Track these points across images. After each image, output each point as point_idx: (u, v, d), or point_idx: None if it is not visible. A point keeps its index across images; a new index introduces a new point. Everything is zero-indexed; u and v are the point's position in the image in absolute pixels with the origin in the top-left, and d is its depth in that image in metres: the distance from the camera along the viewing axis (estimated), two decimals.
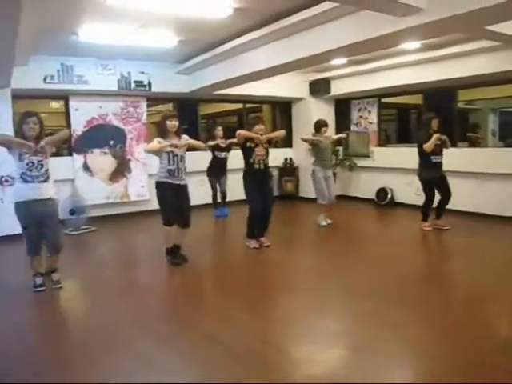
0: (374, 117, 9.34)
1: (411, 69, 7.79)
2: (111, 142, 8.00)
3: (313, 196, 9.55)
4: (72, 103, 7.66)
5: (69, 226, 7.03)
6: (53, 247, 4.29)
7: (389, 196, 8.83)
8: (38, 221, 4.14)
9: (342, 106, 9.92)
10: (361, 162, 9.37)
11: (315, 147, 7.09)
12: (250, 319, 3.62)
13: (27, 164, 4.05)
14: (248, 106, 9.96)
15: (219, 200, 8.18)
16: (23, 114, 4.18)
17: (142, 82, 7.71)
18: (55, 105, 8.75)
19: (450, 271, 4.93)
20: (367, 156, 9.29)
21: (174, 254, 5.16)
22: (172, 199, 4.99)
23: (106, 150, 7.99)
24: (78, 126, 7.72)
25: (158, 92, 7.95)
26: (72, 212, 7.04)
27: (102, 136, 7.90)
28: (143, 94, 8.04)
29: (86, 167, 7.82)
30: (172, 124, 4.98)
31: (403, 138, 10.03)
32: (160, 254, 5.35)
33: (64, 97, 7.70)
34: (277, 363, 2.88)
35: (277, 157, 9.37)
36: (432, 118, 6.38)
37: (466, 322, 3.43)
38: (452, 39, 6.56)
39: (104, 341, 3.25)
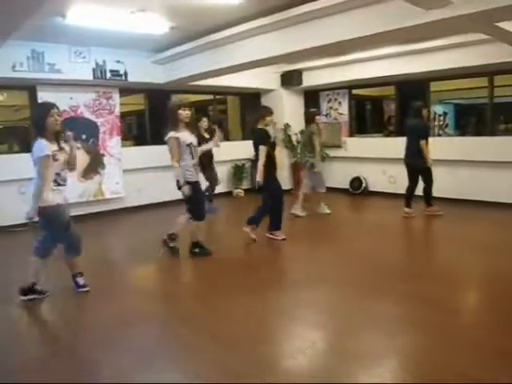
0: (344, 108, 9.46)
1: (384, 61, 7.97)
2: (83, 137, 7.44)
3: (285, 188, 9.66)
4: (40, 94, 7.01)
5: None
6: (78, 249, 4.02)
7: (363, 185, 9.01)
8: (67, 223, 3.88)
9: (311, 98, 9.95)
10: (333, 153, 9.45)
11: (316, 139, 6.98)
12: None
13: (59, 165, 3.76)
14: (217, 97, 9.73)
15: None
16: (43, 105, 3.85)
17: (118, 71, 7.24)
18: None
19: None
20: (339, 146, 9.41)
21: (201, 246, 5.14)
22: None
23: (78, 145, 7.34)
24: None
25: (133, 82, 7.51)
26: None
27: (73, 129, 7.28)
28: (117, 84, 7.56)
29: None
30: (185, 114, 4.71)
31: (375, 129, 10.24)
32: (146, 255, 5.32)
33: (31, 87, 7.05)
34: None
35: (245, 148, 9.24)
36: (423, 106, 6.61)
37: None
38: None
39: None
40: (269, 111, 5.62)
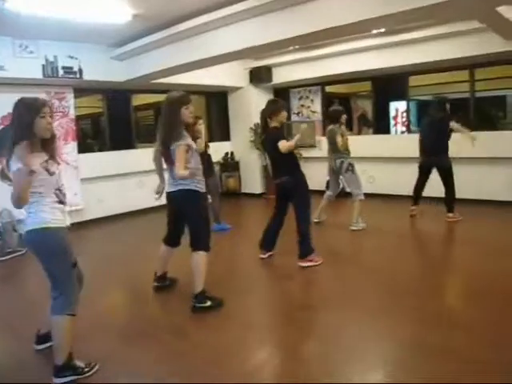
0: (317, 105, 8.96)
1: (359, 55, 7.56)
2: None
3: (257, 191, 9.10)
4: None
5: None
6: (81, 279, 2.99)
7: (341, 186, 8.50)
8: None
9: (281, 95, 9.36)
10: (307, 153, 8.93)
11: (339, 138, 5.97)
12: None
13: (57, 179, 2.75)
14: None
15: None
16: (32, 101, 2.70)
17: (71, 68, 6.37)
18: None
19: None
20: (314, 146, 8.90)
21: (208, 295, 3.72)
22: None
23: None
24: None
25: (89, 81, 6.66)
26: None
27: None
28: (71, 83, 6.70)
29: (3, 175, 6.27)
30: (189, 112, 3.67)
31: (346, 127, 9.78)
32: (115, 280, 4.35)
33: None
34: None
35: (216, 151, 8.60)
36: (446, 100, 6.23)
37: None
38: (404, 26, 6.44)
39: None
40: (282, 105, 4.73)
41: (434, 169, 6.15)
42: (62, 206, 2.73)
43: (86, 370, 2.72)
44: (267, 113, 4.66)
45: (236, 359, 2.86)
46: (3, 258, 5.56)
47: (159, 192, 4.11)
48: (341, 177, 6.21)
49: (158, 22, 5.55)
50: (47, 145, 2.71)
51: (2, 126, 6.29)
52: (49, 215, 2.62)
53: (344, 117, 6.09)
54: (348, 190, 6.19)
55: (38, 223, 2.60)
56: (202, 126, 5.73)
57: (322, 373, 2.67)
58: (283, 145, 4.42)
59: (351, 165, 5.99)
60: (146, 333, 3.31)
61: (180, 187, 3.67)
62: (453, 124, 5.95)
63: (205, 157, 5.73)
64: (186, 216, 3.78)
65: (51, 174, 2.65)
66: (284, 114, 4.64)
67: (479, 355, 2.70)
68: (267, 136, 4.69)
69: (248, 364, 2.81)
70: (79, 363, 2.71)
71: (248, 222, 7.75)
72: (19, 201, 2.46)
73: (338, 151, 6.01)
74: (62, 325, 2.67)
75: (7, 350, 3.26)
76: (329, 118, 6.36)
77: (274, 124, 4.60)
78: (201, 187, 3.73)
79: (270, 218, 4.94)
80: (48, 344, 3.02)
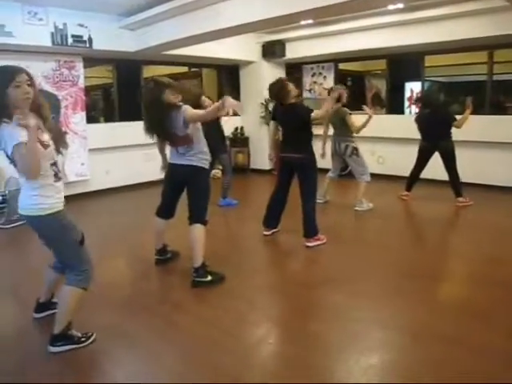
0: (330, 82, 8.78)
1: (375, 32, 7.36)
2: None
3: (265, 168, 9.02)
4: None
5: None
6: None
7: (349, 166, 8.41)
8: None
9: (294, 71, 9.24)
10: (317, 131, 8.78)
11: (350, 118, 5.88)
12: None
13: (52, 152, 2.54)
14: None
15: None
16: (4, 68, 2.39)
17: (81, 36, 6.28)
18: None
19: None
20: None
21: (209, 270, 3.73)
22: None
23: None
24: None
25: (98, 50, 6.57)
26: (3, 200, 5.65)
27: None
28: (81, 52, 6.62)
29: None
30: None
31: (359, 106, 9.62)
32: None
33: None
34: None
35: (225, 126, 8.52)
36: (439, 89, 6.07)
37: None
38: (419, 4, 6.24)
39: None
40: (284, 82, 4.52)
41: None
42: (59, 184, 2.58)
43: (83, 339, 2.73)
44: (277, 97, 4.53)
45: (234, 337, 2.86)
46: (9, 226, 5.60)
47: (165, 167, 4.09)
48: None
49: None
50: (35, 114, 2.45)
51: None
52: (46, 200, 2.47)
53: (345, 96, 5.88)
54: (353, 173, 6.08)
55: (36, 210, 2.47)
56: (208, 102, 5.64)
57: (320, 354, 2.67)
58: (316, 113, 4.33)
59: (356, 149, 5.90)
60: (144, 306, 3.33)
61: (188, 162, 3.65)
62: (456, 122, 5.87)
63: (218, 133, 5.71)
64: (191, 191, 3.75)
65: (45, 146, 2.44)
66: (291, 87, 4.46)
67: (487, 343, 2.66)
68: (287, 109, 4.49)
69: (246, 342, 2.81)
70: (75, 333, 2.73)
71: (255, 198, 7.71)
72: (34, 172, 2.34)
73: (343, 134, 5.91)
74: (73, 296, 2.66)
75: (7, 317, 3.30)
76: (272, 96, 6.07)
77: (291, 101, 4.47)
78: (206, 163, 3.72)
79: (271, 193, 4.89)
80: (47, 313, 3.06)
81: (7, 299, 3.62)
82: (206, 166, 3.72)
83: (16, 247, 5.10)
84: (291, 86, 4.49)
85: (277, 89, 4.49)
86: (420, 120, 6.16)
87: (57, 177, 2.56)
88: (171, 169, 3.85)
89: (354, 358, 2.59)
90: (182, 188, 3.83)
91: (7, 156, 2.39)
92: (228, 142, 8.87)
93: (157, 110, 3.51)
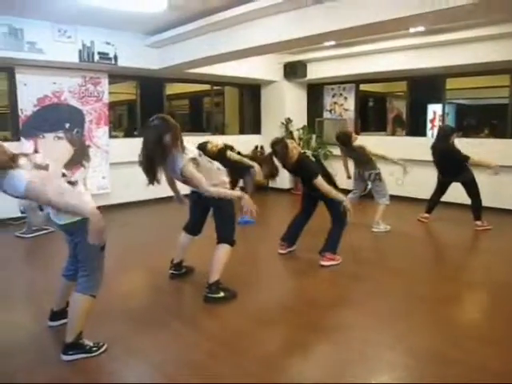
0: (350, 103, 8.83)
1: (397, 54, 7.40)
2: (67, 125, 6.71)
3: (286, 187, 9.04)
4: (19, 77, 6.27)
5: (20, 227, 5.83)
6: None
7: (368, 186, 8.38)
8: None
9: (315, 92, 9.32)
10: (336, 151, 8.82)
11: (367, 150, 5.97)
12: None
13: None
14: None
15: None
16: None
17: (107, 54, 6.47)
18: None
19: None
20: None
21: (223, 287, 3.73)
22: None
23: (61, 135, 6.69)
24: (27, 105, 6.36)
25: (123, 67, 6.75)
26: (24, 210, 5.78)
27: (56, 117, 6.57)
28: (106, 68, 6.82)
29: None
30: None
31: (378, 127, 9.66)
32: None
33: (8, 68, 6.30)
34: None
35: (245, 143, 8.61)
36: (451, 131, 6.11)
37: None
38: (440, 27, 6.26)
39: None
40: (285, 144, 4.40)
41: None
42: (81, 189, 2.71)
43: (94, 349, 2.78)
44: (282, 158, 4.39)
45: (243, 355, 2.86)
46: (29, 235, 5.73)
47: (179, 200, 4.11)
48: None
49: (194, 11, 5.56)
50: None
51: (38, 108, 6.46)
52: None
53: (355, 136, 6.06)
54: (374, 195, 6.11)
55: (70, 217, 2.62)
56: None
57: (327, 372, 2.65)
58: (320, 183, 4.30)
59: (379, 174, 5.99)
60: (155, 319, 3.36)
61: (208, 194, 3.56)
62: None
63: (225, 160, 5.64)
64: (216, 213, 3.80)
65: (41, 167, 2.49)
66: (292, 147, 4.37)
67: (496, 368, 2.62)
68: (295, 165, 4.44)
69: (254, 359, 2.80)
70: (88, 342, 2.78)
71: (273, 217, 7.73)
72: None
73: (365, 166, 6.00)
74: (82, 303, 2.73)
75: (23, 324, 3.37)
76: (341, 143, 6.10)
77: (293, 156, 4.40)
78: (227, 185, 3.72)
79: (295, 214, 4.95)
80: (61, 321, 3.11)
81: (25, 307, 3.70)
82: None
83: (35, 256, 5.23)
84: (291, 147, 4.38)
85: (282, 151, 4.34)
86: (435, 153, 6.17)
87: (73, 184, 2.66)
88: (194, 194, 3.84)
89: (362, 378, 2.58)
90: (207, 208, 3.92)
91: None
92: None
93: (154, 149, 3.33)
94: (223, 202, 3.63)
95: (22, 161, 2.42)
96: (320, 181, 4.30)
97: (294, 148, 4.43)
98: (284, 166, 4.50)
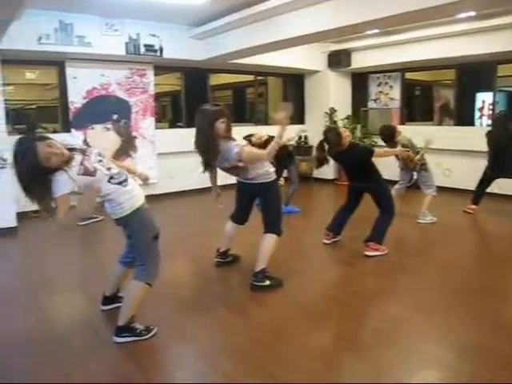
0: (396, 92, 8.64)
1: (444, 41, 7.15)
2: (114, 117, 6.90)
3: (330, 177, 8.97)
4: (69, 70, 6.48)
5: None
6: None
7: (414, 177, 8.20)
8: None
9: (360, 81, 9.17)
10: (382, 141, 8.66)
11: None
12: None
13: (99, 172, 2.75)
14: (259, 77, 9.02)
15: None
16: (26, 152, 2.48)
17: (152, 46, 6.59)
18: (29, 75, 7.65)
19: None
20: None
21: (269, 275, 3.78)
22: None
23: (109, 126, 6.89)
24: (77, 97, 6.57)
25: (168, 59, 6.85)
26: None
27: (104, 109, 6.78)
28: (152, 60, 6.94)
29: (85, 145, 6.70)
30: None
31: (425, 116, 9.40)
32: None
33: (59, 62, 6.51)
34: None
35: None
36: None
37: None
38: (492, 11, 5.99)
39: None
40: (338, 133, 4.44)
41: None
42: (130, 186, 2.76)
43: (144, 332, 2.86)
44: (335, 145, 4.41)
45: (286, 342, 2.88)
46: (84, 223, 5.92)
47: (218, 195, 4.07)
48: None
49: (237, 2, 5.58)
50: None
51: (87, 99, 6.66)
52: (124, 204, 2.71)
53: (399, 130, 5.77)
54: (421, 186, 5.96)
55: (119, 213, 2.74)
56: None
57: (371, 365, 2.63)
58: (378, 152, 4.49)
59: (424, 164, 5.80)
60: (204, 306, 3.42)
61: (253, 181, 3.70)
62: None
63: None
64: (262, 203, 3.84)
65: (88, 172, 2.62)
66: (345, 135, 4.41)
67: None
68: (345, 153, 4.45)
69: (298, 348, 2.81)
70: (139, 325, 2.87)
71: (317, 207, 7.71)
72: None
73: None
74: (138, 290, 2.82)
75: (78, 308, 3.53)
76: (383, 139, 5.88)
77: (345, 143, 4.43)
78: (271, 177, 3.73)
79: (342, 205, 4.91)
80: (112, 306, 3.23)
81: (78, 292, 3.84)
82: (272, 178, 3.73)
83: (88, 243, 5.43)
84: (345, 135, 4.43)
85: (335, 139, 4.39)
86: (490, 139, 5.97)
87: (122, 184, 2.72)
88: (242, 185, 3.90)
89: (407, 371, 2.56)
90: (253, 198, 3.96)
91: None
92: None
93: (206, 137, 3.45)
94: (270, 190, 3.69)
95: (74, 162, 2.57)
96: (379, 151, 4.48)
97: (347, 136, 4.46)
98: (330, 155, 4.48)
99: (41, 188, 2.49)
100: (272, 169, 3.79)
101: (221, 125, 3.41)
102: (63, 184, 2.51)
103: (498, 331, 2.97)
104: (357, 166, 4.51)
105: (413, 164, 5.67)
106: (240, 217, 4.14)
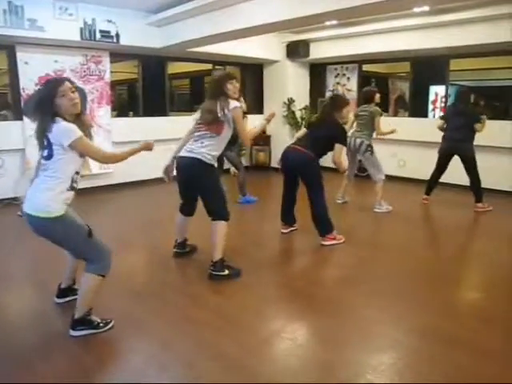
0: (353, 84, 8.79)
1: (400, 34, 7.33)
2: None
3: None
4: (20, 55, 6.24)
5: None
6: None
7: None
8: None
9: (318, 71, 9.27)
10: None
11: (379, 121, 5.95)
12: None
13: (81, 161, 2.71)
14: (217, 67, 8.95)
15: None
16: (48, 83, 2.69)
17: (108, 32, 6.42)
18: None
19: None
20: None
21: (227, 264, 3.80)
22: None
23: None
24: (29, 84, 6.32)
25: (125, 46, 6.70)
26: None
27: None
28: (108, 47, 6.77)
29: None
30: (234, 88, 3.63)
31: (382, 108, 9.56)
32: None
33: (9, 46, 6.25)
34: None
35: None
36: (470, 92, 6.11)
37: None
38: (445, 7, 6.21)
39: None
40: (346, 101, 4.80)
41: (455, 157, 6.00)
42: (70, 194, 2.67)
43: (102, 325, 2.82)
44: (331, 106, 4.69)
45: (246, 330, 2.92)
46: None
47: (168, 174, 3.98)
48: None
49: None
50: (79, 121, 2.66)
51: (39, 86, 6.42)
52: (56, 205, 2.57)
53: (378, 96, 5.97)
54: (368, 171, 6.08)
55: (42, 211, 2.56)
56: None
57: (330, 349, 2.70)
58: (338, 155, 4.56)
59: (370, 146, 5.88)
60: (161, 296, 3.41)
61: (194, 155, 3.61)
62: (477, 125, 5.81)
63: None
64: (201, 189, 3.77)
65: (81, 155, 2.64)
66: (345, 110, 4.68)
67: (494, 347, 2.67)
68: (323, 122, 4.68)
69: (258, 336, 2.86)
70: (95, 318, 2.82)
71: (275, 196, 7.65)
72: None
73: (364, 130, 5.93)
74: (91, 283, 2.76)
75: (31, 302, 3.43)
76: (363, 98, 6.19)
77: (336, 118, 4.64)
78: (213, 161, 3.69)
79: (282, 192, 4.91)
80: (68, 298, 3.17)
81: (29, 284, 3.75)
82: (209, 162, 3.64)
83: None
84: (345, 109, 4.73)
85: (336, 104, 4.72)
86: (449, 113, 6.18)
87: (71, 187, 2.65)
88: (178, 163, 3.77)
89: (365, 355, 2.63)
90: (193, 187, 3.82)
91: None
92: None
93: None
94: (205, 174, 3.66)
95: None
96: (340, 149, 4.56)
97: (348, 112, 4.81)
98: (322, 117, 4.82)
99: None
100: (216, 156, 3.70)
101: (229, 85, 3.61)
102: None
103: (448, 313, 3.12)
104: (324, 139, 4.53)
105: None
106: (185, 208, 4.09)
